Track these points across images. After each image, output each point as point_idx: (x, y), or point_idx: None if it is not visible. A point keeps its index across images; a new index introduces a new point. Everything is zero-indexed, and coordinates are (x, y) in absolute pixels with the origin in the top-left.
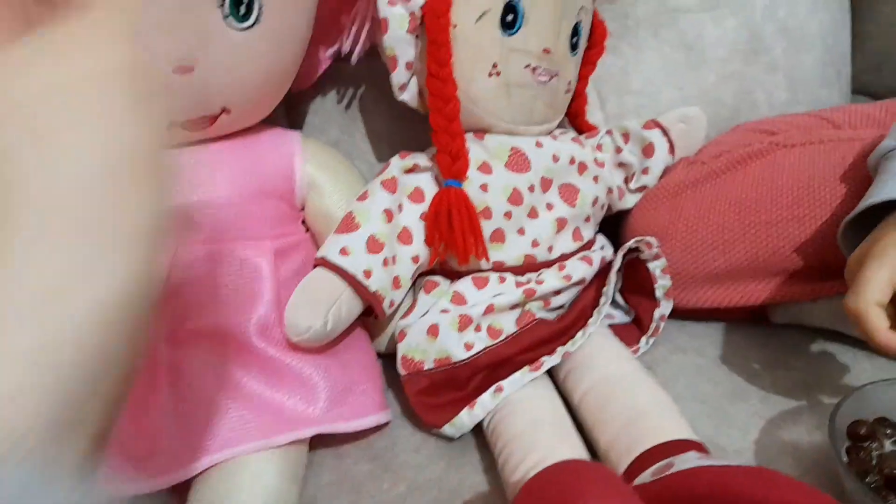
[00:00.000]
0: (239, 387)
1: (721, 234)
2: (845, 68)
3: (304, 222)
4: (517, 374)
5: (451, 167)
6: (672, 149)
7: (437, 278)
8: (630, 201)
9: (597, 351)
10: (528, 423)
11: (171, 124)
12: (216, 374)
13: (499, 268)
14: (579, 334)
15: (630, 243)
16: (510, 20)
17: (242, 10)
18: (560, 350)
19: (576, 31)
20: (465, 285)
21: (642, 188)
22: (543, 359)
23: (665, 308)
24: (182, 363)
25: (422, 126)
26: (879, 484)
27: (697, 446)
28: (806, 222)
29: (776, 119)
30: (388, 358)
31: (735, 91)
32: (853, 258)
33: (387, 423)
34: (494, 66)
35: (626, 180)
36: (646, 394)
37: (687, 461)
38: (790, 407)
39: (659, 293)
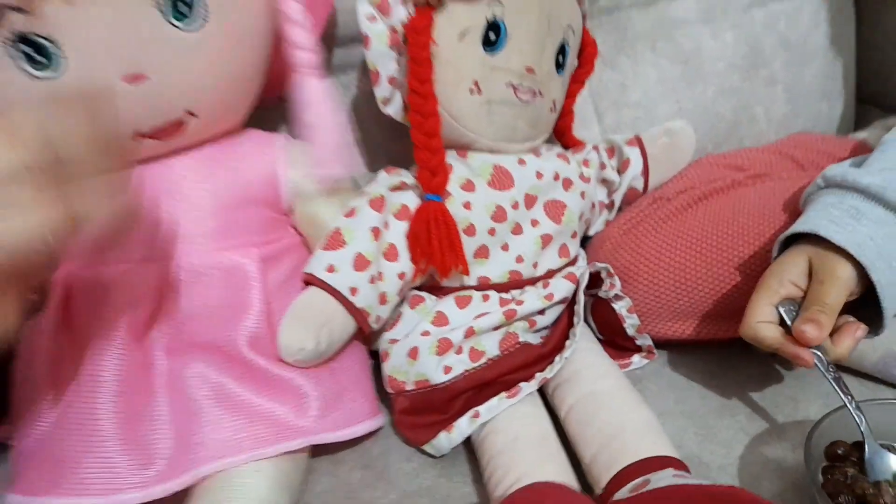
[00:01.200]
0: (232, 398)
1: (683, 273)
2: (850, 80)
3: (293, 226)
4: (494, 401)
5: (431, 182)
6: (646, 170)
7: (424, 294)
8: (599, 223)
9: (584, 367)
10: (510, 441)
11: (137, 134)
12: (211, 386)
13: (484, 284)
14: (557, 359)
15: (598, 266)
16: (492, 38)
17: (184, 10)
18: (538, 376)
19: (562, 51)
20: (447, 305)
21: (611, 204)
22: (521, 385)
23: (644, 341)
24: (179, 374)
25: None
26: (851, 503)
27: (676, 463)
28: (767, 259)
29: (742, 153)
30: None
31: (734, 105)
32: None
33: (380, 429)
34: (476, 83)
35: (608, 195)
36: (628, 411)
37: (663, 479)
38: (776, 423)
39: (630, 331)
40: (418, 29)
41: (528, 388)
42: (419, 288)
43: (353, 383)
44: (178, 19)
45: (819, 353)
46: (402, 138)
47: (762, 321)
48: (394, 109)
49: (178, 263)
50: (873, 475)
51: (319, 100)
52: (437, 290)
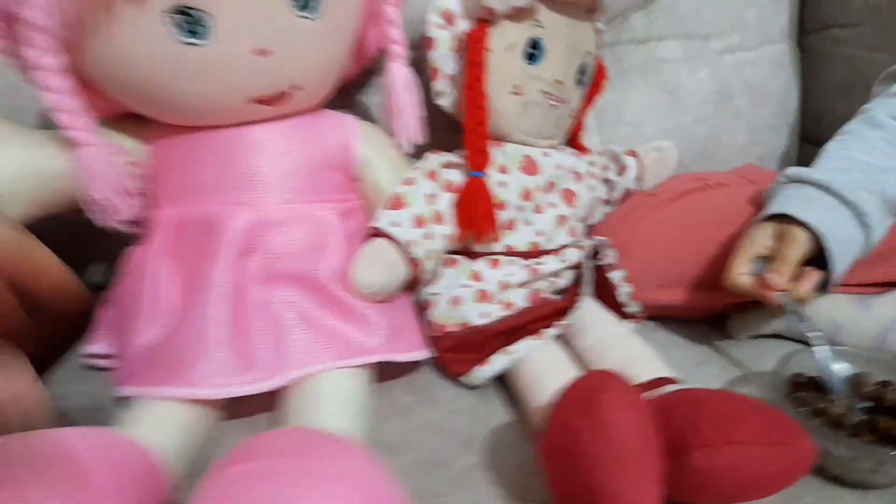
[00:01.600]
0: (315, 320)
1: (671, 248)
2: (795, 119)
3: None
4: (522, 342)
5: (476, 161)
6: (640, 177)
7: (458, 257)
8: (599, 214)
9: (595, 320)
10: (539, 370)
11: (252, 99)
12: (297, 309)
13: (510, 252)
14: (571, 311)
15: (599, 239)
16: (532, 53)
17: (310, 5)
18: (558, 324)
19: (582, 70)
20: (481, 265)
21: (609, 200)
22: (544, 330)
23: (635, 307)
24: (270, 300)
25: (451, 135)
26: (809, 413)
27: (676, 382)
28: (737, 238)
29: (708, 174)
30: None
31: (705, 131)
32: None
33: (424, 363)
34: (516, 87)
35: (608, 193)
36: (634, 348)
37: (670, 389)
38: (742, 373)
39: (624, 298)
40: (477, 38)
41: (552, 332)
42: (453, 252)
43: (407, 321)
44: (303, 9)
45: (783, 295)
46: (440, 135)
47: (739, 273)
48: (446, 102)
49: (267, 210)
50: (829, 380)
51: (404, 83)
52: (471, 255)
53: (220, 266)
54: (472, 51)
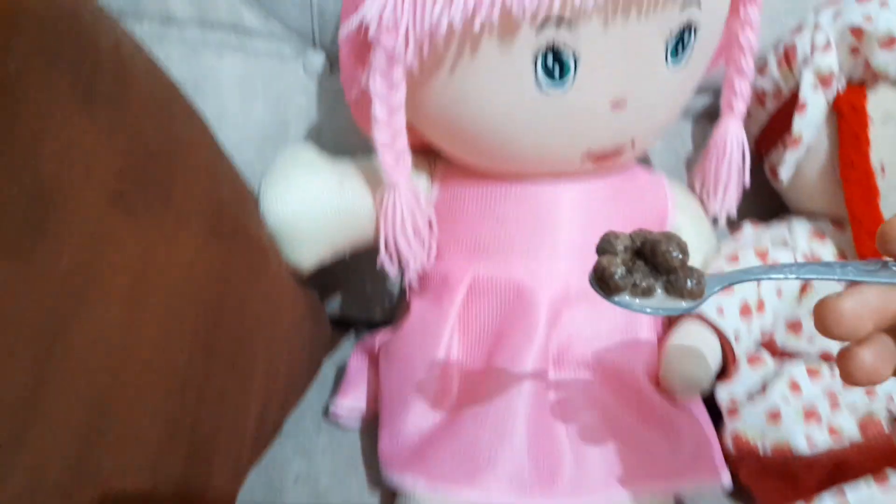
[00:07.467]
0: (625, 427)
1: None
2: None
3: None
4: (862, 484)
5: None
6: None
7: (763, 354)
8: None
9: None
10: None
11: (586, 155)
12: (604, 412)
13: (828, 357)
14: None
15: None
16: None
17: (679, 51)
18: None
19: None
20: (799, 372)
21: None
22: (891, 474)
23: None
24: (572, 395)
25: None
26: None
27: None
28: None
29: None
30: None
31: None
32: None
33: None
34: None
35: None
36: None
37: None
38: None
39: None
40: (855, 106)
41: None
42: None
43: (710, 433)
44: (671, 56)
45: None
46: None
47: None
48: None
49: (569, 283)
50: None
51: (739, 145)
52: (776, 353)
53: (535, 348)
54: (850, 120)
